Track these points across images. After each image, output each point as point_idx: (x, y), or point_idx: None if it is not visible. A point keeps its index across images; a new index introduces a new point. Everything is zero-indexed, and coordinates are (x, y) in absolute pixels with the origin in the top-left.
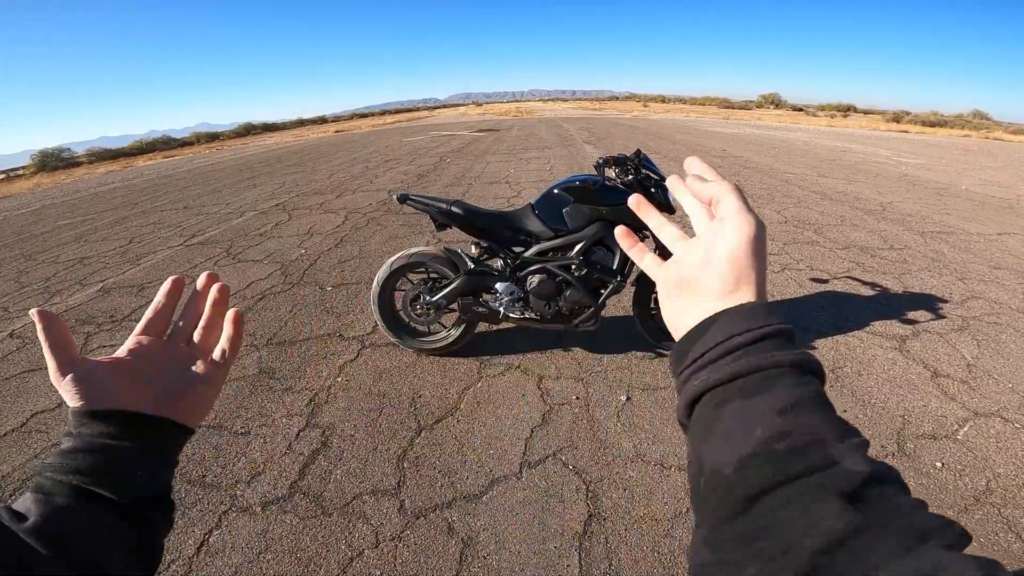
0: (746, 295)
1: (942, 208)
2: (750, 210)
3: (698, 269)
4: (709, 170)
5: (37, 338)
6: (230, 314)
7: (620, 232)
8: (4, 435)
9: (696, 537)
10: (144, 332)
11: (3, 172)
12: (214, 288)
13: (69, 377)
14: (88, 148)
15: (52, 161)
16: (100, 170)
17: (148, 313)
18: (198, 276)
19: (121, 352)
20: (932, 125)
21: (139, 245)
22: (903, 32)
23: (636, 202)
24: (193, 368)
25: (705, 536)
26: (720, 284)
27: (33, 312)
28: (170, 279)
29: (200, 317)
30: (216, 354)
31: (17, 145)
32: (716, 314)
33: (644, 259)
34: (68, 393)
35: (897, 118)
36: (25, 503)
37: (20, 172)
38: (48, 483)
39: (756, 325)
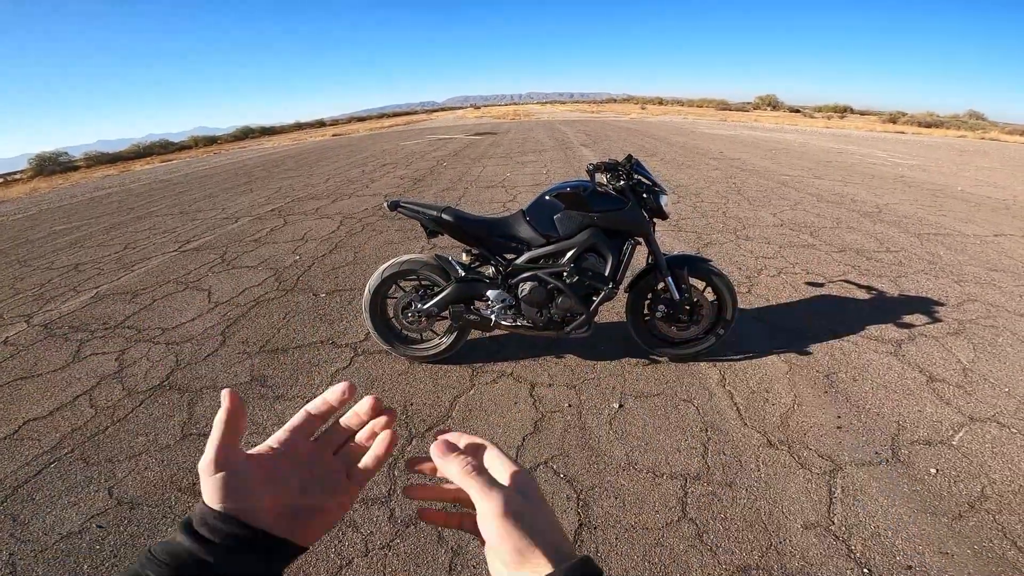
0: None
1: (938, 210)
2: (492, 484)
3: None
4: (457, 437)
5: (28, 344)
6: (385, 434)
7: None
8: None
9: None
10: (295, 431)
11: (1, 176)
12: (380, 418)
13: (221, 475)
14: (85, 152)
15: (49, 165)
16: (97, 174)
17: (307, 409)
18: (363, 397)
19: (270, 443)
20: (928, 126)
21: (133, 251)
22: (900, 33)
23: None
24: (331, 482)
25: None
26: (504, 565)
27: (224, 393)
28: (344, 384)
29: (349, 431)
30: (360, 467)
31: (14, 149)
32: None
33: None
34: (211, 491)
35: (893, 119)
36: None
37: (17, 176)
38: None
39: None
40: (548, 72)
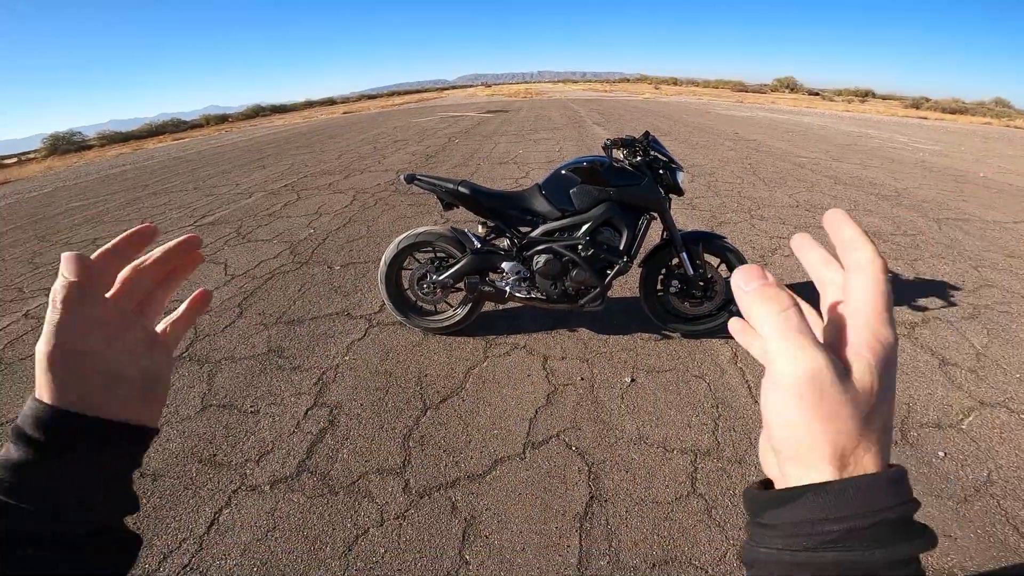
0: (857, 466)
1: (959, 195)
2: (890, 320)
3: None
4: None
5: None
6: (197, 293)
7: (735, 328)
8: (16, 416)
9: None
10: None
11: (15, 156)
12: (182, 242)
13: (59, 365)
14: (98, 131)
15: (63, 144)
16: (111, 153)
17: (101, 254)
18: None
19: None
20: (952, 112)
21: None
22: (926, 18)
23: (739, 327)
24: (153, 347)
25: None
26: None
27: (66, 258)
28: (144, 225)
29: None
30: (161, 327)
31: (28, 130)
32: (806, 487)
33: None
34: (48, 383)
35: (917, 104)
36: None
37: (32, 156)
38: None
39: (862, 510)
40: (561, 51)
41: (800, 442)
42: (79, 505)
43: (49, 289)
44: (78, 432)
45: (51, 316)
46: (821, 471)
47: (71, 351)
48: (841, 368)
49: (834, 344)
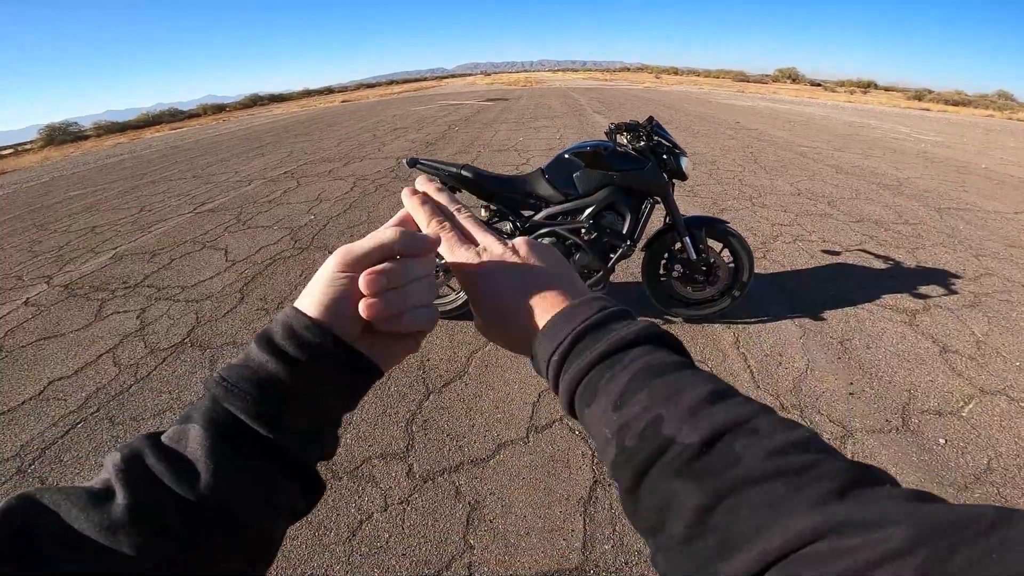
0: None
1: (960, 185)
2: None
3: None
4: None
5: (49, 304)
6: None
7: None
8: (22, 403)
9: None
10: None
11: (11, 147)
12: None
13: (341, 278)
14: (95, 122)
15: (59, 135)
16: (108, 142)
17: (402, 213)
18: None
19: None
20: (955, 104)
21: (150, 213)
22: (930, 9)
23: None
24: (416, 312)
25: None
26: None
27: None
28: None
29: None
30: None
31: (24, 120)
32: (533, 344)
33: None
34: (321, 294)
35: (919, 96)
36: (191, 447)
37: (28, 146)
38: (229, 422)
39: (563, 336)
40: (561, 40)
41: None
42: (316, 435)
43: (48, 277)
44: (334, 352)
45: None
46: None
47: (354, 286)
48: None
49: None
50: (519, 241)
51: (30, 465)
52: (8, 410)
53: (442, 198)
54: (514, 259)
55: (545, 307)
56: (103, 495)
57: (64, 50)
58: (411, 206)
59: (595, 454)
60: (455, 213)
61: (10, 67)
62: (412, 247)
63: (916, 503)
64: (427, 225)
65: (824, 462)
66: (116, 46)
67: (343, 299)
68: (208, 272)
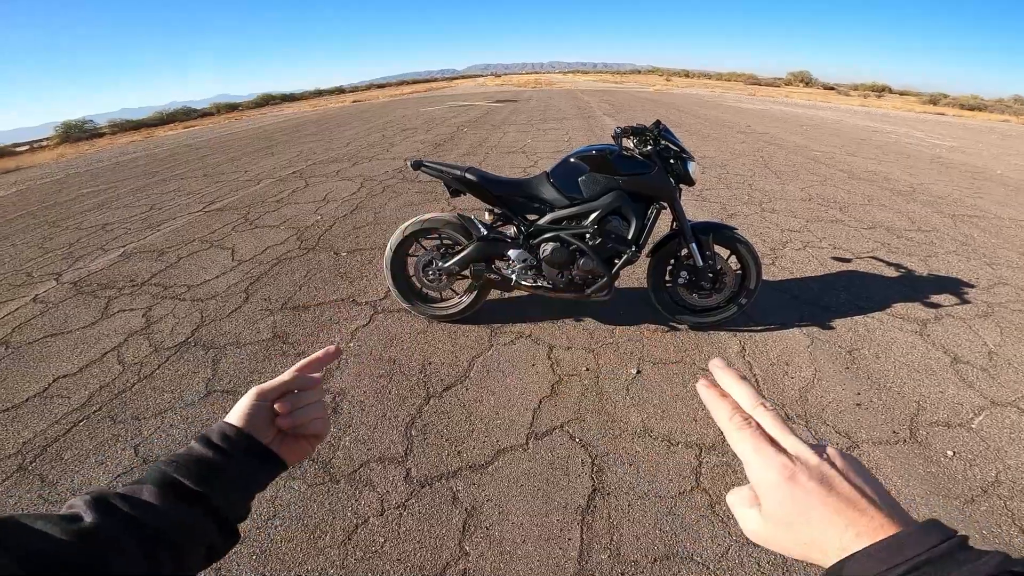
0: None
1: (975, 192)
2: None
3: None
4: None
5: (57, 301)
6: (325, 353)
7: (705, 395)
8: (26, 400)
9: None
10: (292, 378)
11: (27, 144)
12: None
13: (256, 403)
14: (110, 120)
15: (75, 132)
16: (122, 140)
17: (302, 362)
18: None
19: (274, 385)
20: (971, 109)
21: (160, 212)
22: (946, 13)
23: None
24: (314, 421)
25: None
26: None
27: (330, 348)
28: (332, 347)
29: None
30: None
31: (39, 118)
32: (845, 559)
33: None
34: (242, 412)
35: (934, 100)
36: (145, 493)
37: (44, 143)
38: (168, 479)
39: (897, 561)
40: (571, 41)
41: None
42: (233, 499)
43: (58, 274)
44: (248, 447)
45: (266, 388)
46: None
47: (266, 407)
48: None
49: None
50: (833, 452)
51: (31, 463)
52: (12, 407)
53: (743, 391)
54: (832, 474)
55: (863, 526)
56: (71, 518)
57: (83, 49)
58: (708, 398)
59: (595, 462)
60: (758, 408)
61: (29, 65)
62: (305, 384)
63: None
64: (728, 420)
65: None
66: (133, 45)
67: (257, 415)
68: (214, 271)
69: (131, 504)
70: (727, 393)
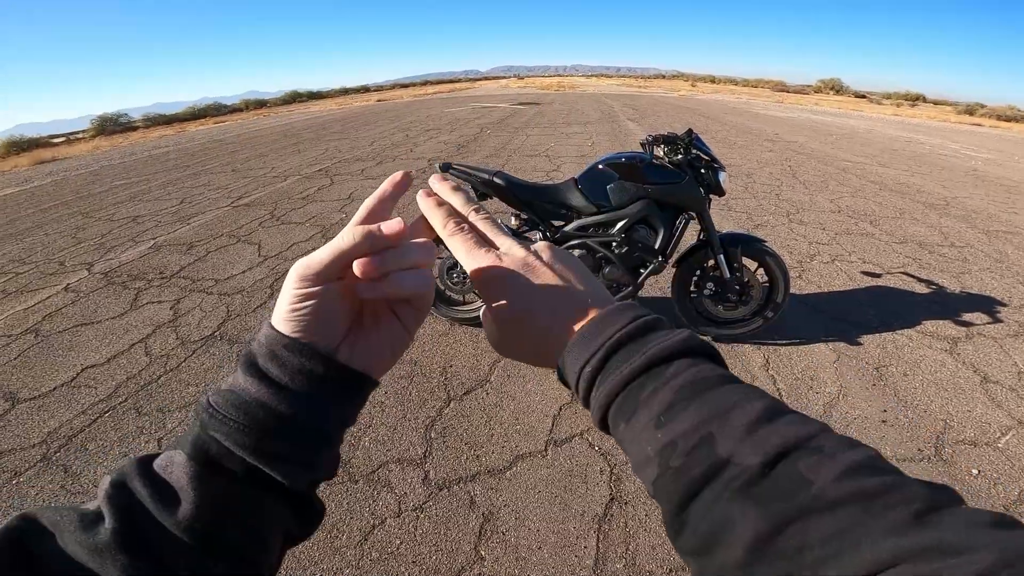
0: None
1: (1011, 207)
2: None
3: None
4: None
5: (88, 291)
6: (396, 175)
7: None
8: (54, 389)
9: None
10: (368, 245)
11: (64, 135)
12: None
13: (316, 290)
14: (144, 114)
15: (110, 125)
16: (154, 134)
17: (368, 203)
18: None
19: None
20: (1008, 120)
21: (189, 205)
22: (983, 20)
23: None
24: (402, 305)
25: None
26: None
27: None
28: (401, 172)
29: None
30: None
31: (76, 111)
32: (562, 354)
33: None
34: (290, 310)
35: (970, 110)
36: (176, 473)
37: (80, 136)
38: (213, 449)
39: (594, 349)
40: (595, 45)
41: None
42: (305, 458)
43: (90, 264)
44: (319, 371)
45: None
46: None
47: (331, 291)
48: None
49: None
50: (541, 246)
51: (55, 453)
52: (40, 395)
53: (457, 199)
54: (537, 264)
55: (571, 316)
56: (93, 518)
57: (118, 44)
58: (425, 207)
59: (614, 470)
60: (471, 214)
61: (68, 58)
62: (376, 246)
63: (998, 529)
64: (442, 227)
65: (898, 485)
66: (167, 41)
67: (312, 312)
68: (241, 266)
69: (157, 495)
70: (444, 202)
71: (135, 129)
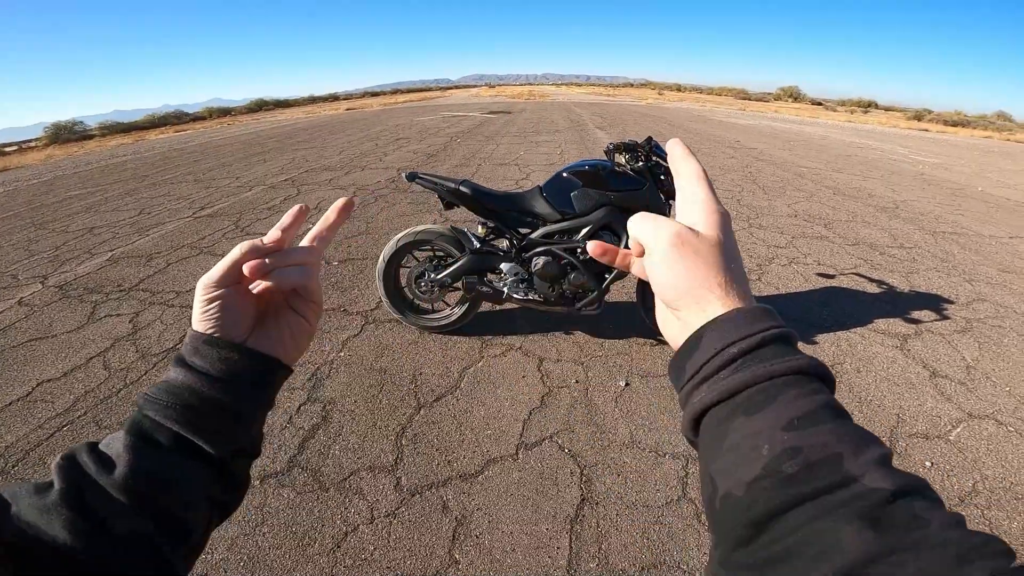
0: (734, 299)
1: (956, 209)
2: (717, 200)
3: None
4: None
5: (43, 304)
6: (340, 200)
7: (594, 249)
8: (9, 404)
9: (712, 558)
10: (254, 254)
11: (16, 144)
12: (337, 206)
13: (218, 293)
14: (101, 122)
15: (64, 134)
16: (112, 143)
17: (271, 234)
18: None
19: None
20: (954, 125)
21: (148, 216)
22: (931, 29)
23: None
24: (297, 300)
25: (720, 558)
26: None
27: (292, 211)
28: (297, 207)
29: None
30: (312, 237)
31: (31, 118)
32: (704, 325)
33: (634, 267)
34: (203, 313)
35: (919, 116)
36: (115, 446)
37: (32, 144)
38: (146, 424)
39: (751, 332)
40: (565, 53)
41: (691, 287)
42: (227, 431)
43: (43, 277)
44: (230, 357)
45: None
46: (713, 305)
47: (231, 294)
48: (693, 230)
49: (686, 219)
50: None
51: (13, 467)
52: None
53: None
54: (710, 244)
55: (725, 281)
56: (45, 486)
57: (75, 50)
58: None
59: (584, 472)
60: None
61: (20, 65)
62: (260, 253)
63: None
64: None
65: (991, 543)
66: (127, 47)
67: (218, 311)
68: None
69: (98, 463)
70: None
71: (91, 138)
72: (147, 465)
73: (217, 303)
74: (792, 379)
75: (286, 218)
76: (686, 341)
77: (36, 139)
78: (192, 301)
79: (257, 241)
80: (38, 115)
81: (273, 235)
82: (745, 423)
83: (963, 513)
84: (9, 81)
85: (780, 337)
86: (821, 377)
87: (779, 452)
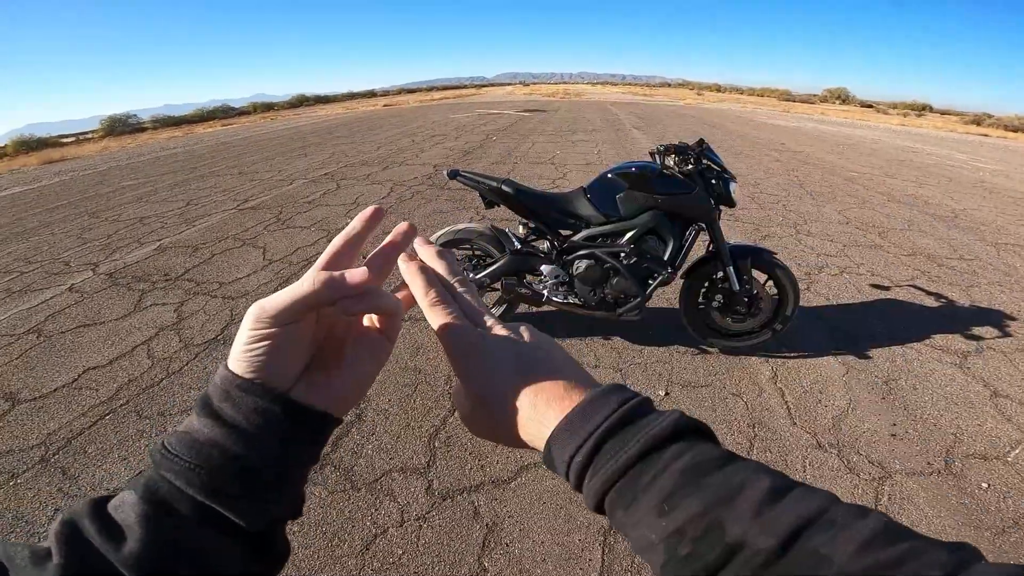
0: (561, 402)
1: (1019, 219)
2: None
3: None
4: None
5: (92, 291)
6: (407, 262)
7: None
8: (55, 390)
9: None
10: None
11: (73, 136)
12: (400, 231)
13: (272, 332)
14: (152, 115)
15: (119, 126)
16: (163, 136)
17: (336, 243)
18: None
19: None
20: (1015, 130)
21: (195, 207)
22: (990, 31)
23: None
24: (365, 339)
25: None
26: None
27: (361, 216)
28: (371, 208)
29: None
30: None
31: (86, 111)
32: (547, 440)
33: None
34: (245, 351)
35: (978, 121)
36: (125, 512)
37: (89, 136)
38: (164, 490)
39: (586, 437)
40: (600, 53)
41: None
42: (263, 498)
43: (95, 264)
44: (275, 411)
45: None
46: (547, 415)
47: (291, 331)
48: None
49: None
50: (523, 326)
51: (54, 455)
52: (40, 396)
53: (441, 266)
54: (518, 343)
55: (553, 397)
56: (43, 555)
57: (129, 45)
58: (406, 272)
59: None
60: (456, 285)
61: (80, 59)
62: (338, 294)
63: None
64: (424, 296)
65: (918, 551)
66: (177, 43)
67: (266, 353)
68: (246, 269)
69: (105, 534)
70: (429, 268)
71: (144, 130)
72: (165, 542)
73: (267, 344)
74: (642, 465)
75: (357, 223)
76: (543, 456)
77: (92, 131)
78: (234, 292)
79: (337, 275)
80: (94, 108)
81: (356, 276)
82: (627, 517)
83: (1016, 536)
84: (67, 75)
85: (618, 423)
86: (675, 437)
87: (665, 537)
